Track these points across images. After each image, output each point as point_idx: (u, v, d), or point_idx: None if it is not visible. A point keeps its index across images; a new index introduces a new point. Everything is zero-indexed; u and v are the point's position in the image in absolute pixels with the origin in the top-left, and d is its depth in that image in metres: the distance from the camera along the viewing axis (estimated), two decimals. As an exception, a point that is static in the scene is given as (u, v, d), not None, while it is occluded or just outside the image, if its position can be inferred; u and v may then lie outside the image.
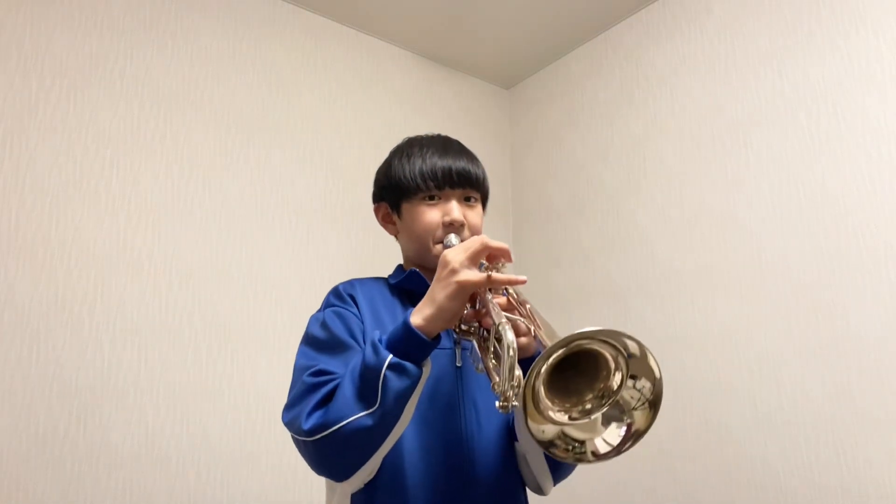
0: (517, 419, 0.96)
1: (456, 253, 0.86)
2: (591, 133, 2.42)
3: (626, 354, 0.73)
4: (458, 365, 1.00)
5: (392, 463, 0.90)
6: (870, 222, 1.61)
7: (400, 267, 1.14)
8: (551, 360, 0.70)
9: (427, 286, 0.99)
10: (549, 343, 0.72)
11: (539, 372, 0.70)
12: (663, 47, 2.21)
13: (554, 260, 2.48)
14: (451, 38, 2.49)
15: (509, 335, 0.72)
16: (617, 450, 0.75)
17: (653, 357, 0.73)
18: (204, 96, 1.98)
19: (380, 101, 2.39)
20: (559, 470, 0.97)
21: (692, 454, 1.88)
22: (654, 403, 0.74)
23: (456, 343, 1.01)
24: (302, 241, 2.07)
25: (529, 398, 0.71)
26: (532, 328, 0.82)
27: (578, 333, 0.69)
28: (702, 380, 1.89)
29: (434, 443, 0.94)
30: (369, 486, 0.90)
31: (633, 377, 0.75)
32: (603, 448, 0.75)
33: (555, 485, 0.99)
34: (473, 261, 0.85)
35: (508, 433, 1.00)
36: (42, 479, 1.51)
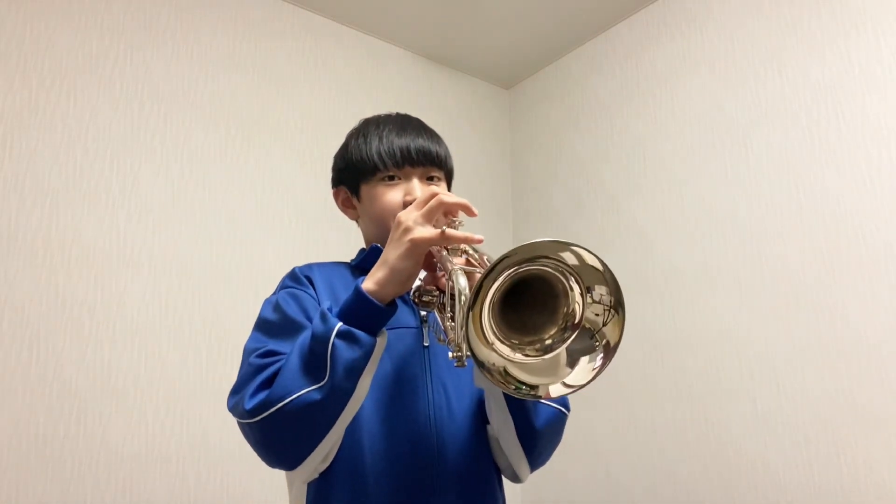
0: (487, 396, 0.90)
1: (409, 211, 0.80)
2: (592, 133, 2.42)
3: (571, 271, 0.66)
4: (426, 345, 0.93)
5: (351, 448, 0.83)
6: (870, 222, 1.61)
7: (362, 250, 1.07)
8: (501, 280, 0.63)
9: None
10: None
11: (485, 288, 0.63)
12: (663, 47, 2.21)
13: (554, 260, 2.47)
14: (451, 38, 2.49)
15: (461, 281, 0.66)
16: (595, 376, 0.67)
17: (590, 253, 0.65)
18: (204, 96, 1.98)
19: (380, 101, 2.39)
20: (535, 455, 0.90)
21: (692, 454, 1.88)
22: (617, 304, 0.66)
23: (423, 321, 0.94)
24: (302, 241, 2.07)
25: (477, 317, 0.63)
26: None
27: (519, 247, 0.62)
28: (702, 380, 1.89)
29: (399, 427, 0.86)
30: (325, 474, 0.83)
31: (588, 290, 0.67)
32: (560, 391, 0.67)
33: (532, 471, 0.93)
34: (428, 218, 0.79)
35: (480, 416, 0.93)
36: (42, 479, 1.51)
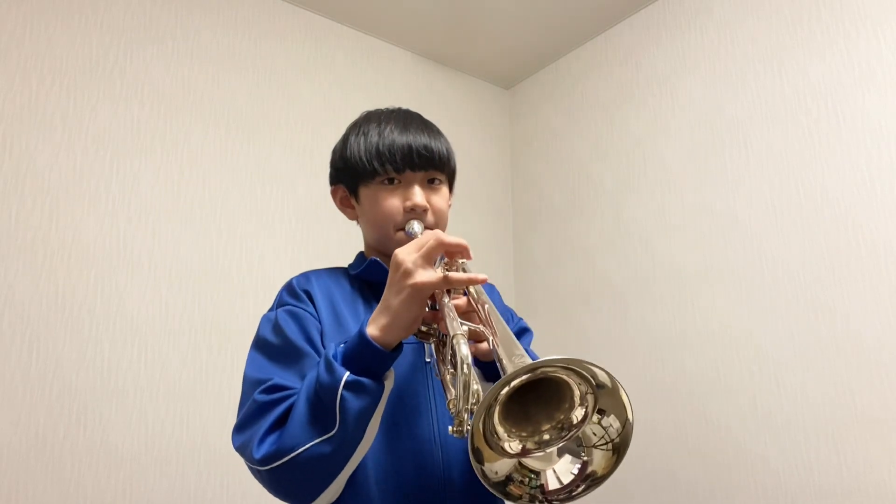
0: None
1: (408, 252, 0.78)
2: (591, 133, 2.42)
3: (594, 385, 0.65)
4: (428, 360, 0.91)
5: (358, 474, 0.81)
6: (870, 222, 1.61)
7: (361, 255, 1.05)
8: (511, 386, 0.62)
9: None
10: (504, 357, 0.65)
11: (496, 398, 0.62)
12: (663, 47, 2.21)
13: (554, 260, 2.48)
14: (451, 38, 2.49)
15: (463, 349, 0.65)
16: (568, 492, 0.67)
17: (625, 394, 0.65)
18: (204, 96, 1.98)
19: (380, 101, 2.36)
20: None
21: (692, 454, 1.88)
22: (618, 448, 0.66)
23: None
24: (302, 241, 2.07)
25: (480, 435, 0.63)
26: (491, 338, 0.73)
27: (542, 361, 0.61)
28: (702, 380, 1.89)
29: (404, 448, 0.85)
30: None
31: (601, 412, 0.66)
32: (553, 484, 0.67)
33: None
34: (428, 259, 0.77)
35: None
36: (42, 479, 1.51)
